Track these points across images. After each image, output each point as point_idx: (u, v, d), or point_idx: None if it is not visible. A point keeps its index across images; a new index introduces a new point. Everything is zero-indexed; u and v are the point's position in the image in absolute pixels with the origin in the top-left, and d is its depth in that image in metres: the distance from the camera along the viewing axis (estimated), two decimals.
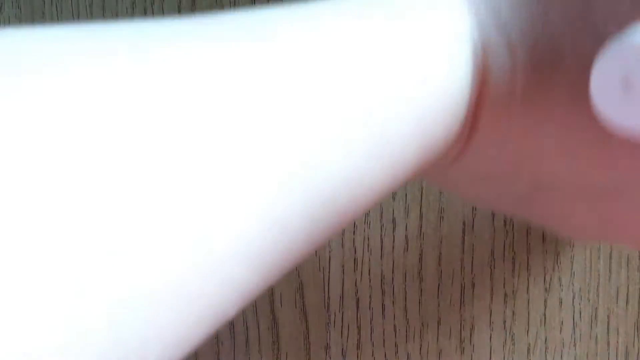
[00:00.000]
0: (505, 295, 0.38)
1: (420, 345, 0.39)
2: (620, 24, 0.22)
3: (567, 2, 0.23)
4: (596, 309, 0.38)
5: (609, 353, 0.38)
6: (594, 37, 0.23)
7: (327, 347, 0.39)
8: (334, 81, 0.19)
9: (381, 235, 0.39)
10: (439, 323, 0.39)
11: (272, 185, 0.17)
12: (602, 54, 0.20)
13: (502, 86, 0.24)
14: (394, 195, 0.39)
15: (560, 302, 0.38)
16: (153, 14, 0.39)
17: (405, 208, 0.38)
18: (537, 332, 0.38)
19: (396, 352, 0.39)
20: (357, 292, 0.38)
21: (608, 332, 0.38)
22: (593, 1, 0.23)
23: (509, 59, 0.23)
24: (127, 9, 0.40)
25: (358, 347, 0.39)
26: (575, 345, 0.38)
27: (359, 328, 0.39)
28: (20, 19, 0.41)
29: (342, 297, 0.39)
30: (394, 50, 0.21)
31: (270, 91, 0.18)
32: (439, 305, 0.39)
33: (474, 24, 0.24)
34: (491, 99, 0.24)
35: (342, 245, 0.39)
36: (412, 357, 0.39)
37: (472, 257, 0.38)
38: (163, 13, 0.39)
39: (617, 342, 0.38)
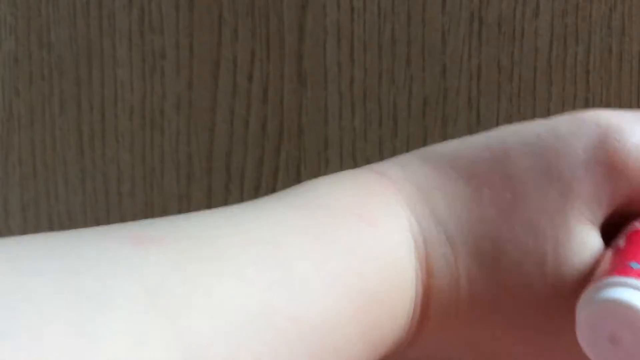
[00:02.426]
0: None
1: None
2: (551, 215, 0.24)
3: (498, 194, 0.25)
4: None
5: None
6: (526, 227, 0.25)
7: None
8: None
9: None
10: None
11: None
12: (585, 304, 0.22)
13: (446, 277, 0.25)
14: None
15: None
16: (151, 12, 0.40)
17: None
18: None
19: None
20: None
21: None
22: (522, 192, 0.25)
23: (450, 252, 0.25)
24: (124, 7, 0.40)
25: None
26: None
27: None
28: (16, 18, 0.42)
29: None
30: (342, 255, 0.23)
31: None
32: None
33: (412, 221, 0.25)
34: (437, 288, 0.25)
35: None
36: None
37: None
38: (161, 11, 0.40)
39: None
